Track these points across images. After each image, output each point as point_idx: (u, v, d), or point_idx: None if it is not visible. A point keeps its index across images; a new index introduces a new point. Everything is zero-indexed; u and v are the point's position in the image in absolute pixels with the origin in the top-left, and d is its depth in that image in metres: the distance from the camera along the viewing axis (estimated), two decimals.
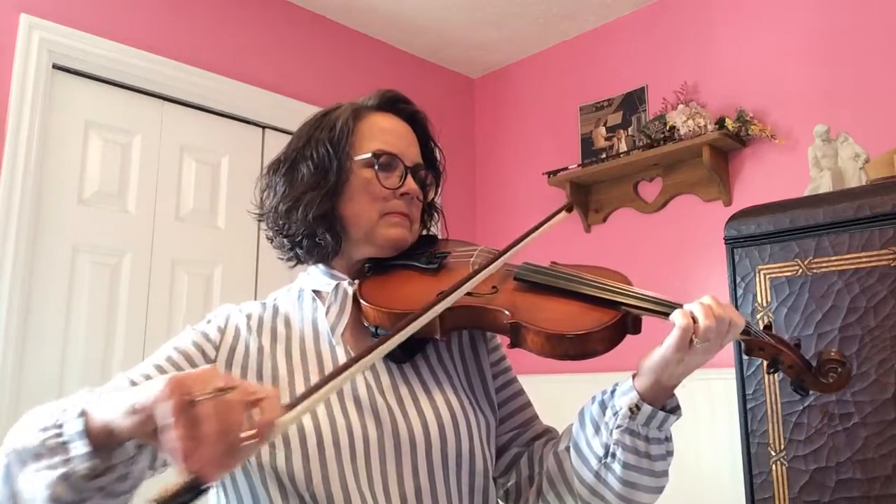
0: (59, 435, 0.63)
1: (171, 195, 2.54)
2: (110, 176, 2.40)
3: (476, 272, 0.83)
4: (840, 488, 1.54)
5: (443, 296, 0.79)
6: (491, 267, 0.85)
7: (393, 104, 1.00)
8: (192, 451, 0.54)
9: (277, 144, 2.88)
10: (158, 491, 0.53)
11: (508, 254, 0.88)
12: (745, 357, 1.72)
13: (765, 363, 0.85)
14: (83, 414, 0.62)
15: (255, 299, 1.01)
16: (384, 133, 0.96)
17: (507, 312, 0.84)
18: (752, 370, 1.68)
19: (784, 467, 1.62)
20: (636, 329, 0.85)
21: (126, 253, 2.40)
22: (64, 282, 2.25)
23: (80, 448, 0.61)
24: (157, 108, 2.55)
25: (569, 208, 0.99)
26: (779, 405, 1.64)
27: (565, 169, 2.96)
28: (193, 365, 0.85)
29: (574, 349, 0.81)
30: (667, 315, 0.82)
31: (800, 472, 1.59)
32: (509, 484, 0.97)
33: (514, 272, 0.92)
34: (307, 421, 0.81)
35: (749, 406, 1.68)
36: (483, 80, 3.60)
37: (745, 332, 0.82)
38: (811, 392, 0.82)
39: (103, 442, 0.62)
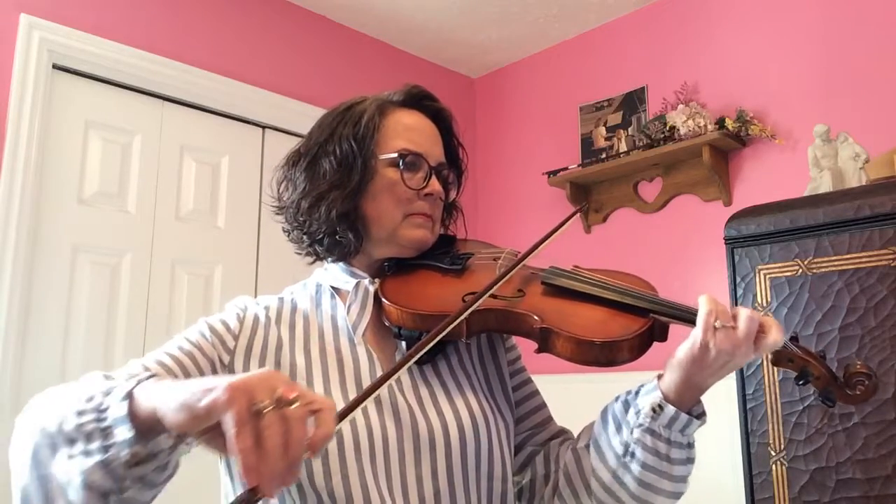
0: (100, 419, 0.59)
1: (171, 195, 2.54)
2: (110, 176, 2.40)
3: (501, 276, 0.84)
4: (840, 488, 1.54)
5: (474, 298, 0.81)
6: (513, 269, 0.86)
7: (419, 101, 0.99)
8: (254, 465, 0.53)
9: (277, 144, 2.90)
10: None
11: (528, 256, 0.88)
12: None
13: (793, 374, 0.83)
14: (128, 398, 0.59)
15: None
16: (409, 131, 0.94)
17: (535, 317, 0.83)
18: (752, 370, 1.68)
19: (784, 467, 1.62)
20: (663, 336, 0.84)
21: (126, 253, 2.40)
22: (64, 282, 2.25)
23: (123, 433, 0.58)
24: (157, 108, 2.55)
25: (584, 209, 1.01)
26: (779, 405, 1.64)
27: (565, 169, 2.96)
28: (209, 355, 0.84)
29: (604, 356, 0.81)
30: (693, 322, 0.80)
31: (800, 472, 1.59)
32: (524, 482, 0.96)
33: (540, 276, 0.91)
34: None
35: (749, 406, 1.68)
36: (483, 80, 3.60)
37: None
38: (839, 403, 0.82)
39: (148, 429, 0.59)
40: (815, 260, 1.63)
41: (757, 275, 1.71)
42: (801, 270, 1.65)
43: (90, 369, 2.45)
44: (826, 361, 0.82)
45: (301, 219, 0.94)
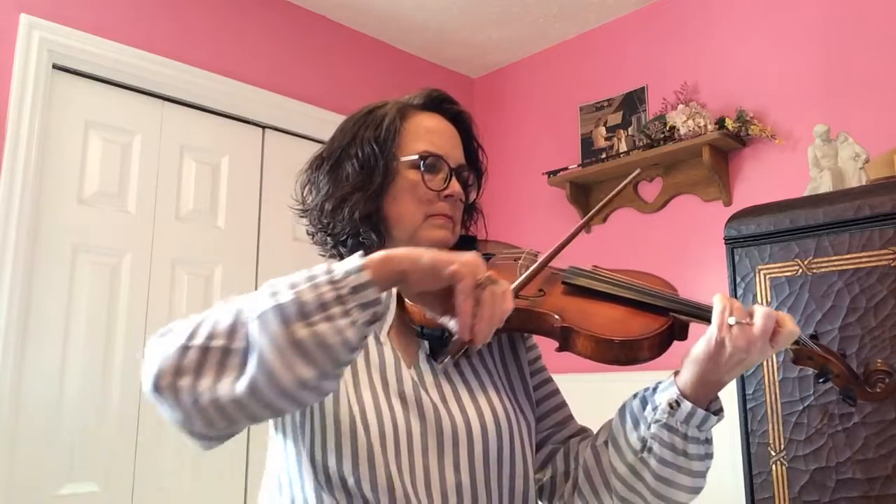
0: (339, 288, 0.68)
1: (171, 195, 2.54)
2: (110, 176, 2.40)
3: (582, 225, 0.93)
4: (840, 488, 1.54)
5: (559, 246, 0.89)
6: (577, 232, 0.91)
7: (438, 104, 1.01)
8: (470, 323, 0.71)
9: (277, 144, 2.90)
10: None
11: (580, 225, 0.94)
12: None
13: (813, 373, 0.84)
14: (364, 268, 0.69)
15: None
16: (430, 133, 0.97)
17: (556, 316, 0.85)
18: (752, 370, 1.68)
19: (784, 467, 1.62)
20: (683, 335, 0.85)
21: (126, 253, 2.40)
22: (64, 282, 2.25)
23: (369, 295, 0.68)
24: (157, 108, 2.55)
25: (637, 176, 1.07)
26: (779, 405, 1.64)
27: (565, 169, 2.96)
28: None
29: (624, 354, 0.82)
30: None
31: (800, 472, 1.59)
32: (545, 479, 0.98)
33: (561, 276, 0.92)
34: (356, 410, 0.82)
35: (749, 406, 1.68)
36: (483, 80, 3.60)
37: (795, 341, 0.81)
38: (859, 401, 0.82)
39: (384, 290, 0.70)
40: (815, 260, 1.63)
41: (757, 275, 1.71)
42: (801, 270, 1.65)
43: (90, 369, 2.44)
44: (847, 360, 0.82)
45: (325, 221, 0.96)
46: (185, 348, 0.68)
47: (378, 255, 0.71)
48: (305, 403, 0.70)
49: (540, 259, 0.88)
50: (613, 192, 0.98)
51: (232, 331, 0.68)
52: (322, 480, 0.82)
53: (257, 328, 0.67)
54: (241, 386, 0.66)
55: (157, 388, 0.68)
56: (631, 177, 1.04)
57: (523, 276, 0.85)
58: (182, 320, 0.73)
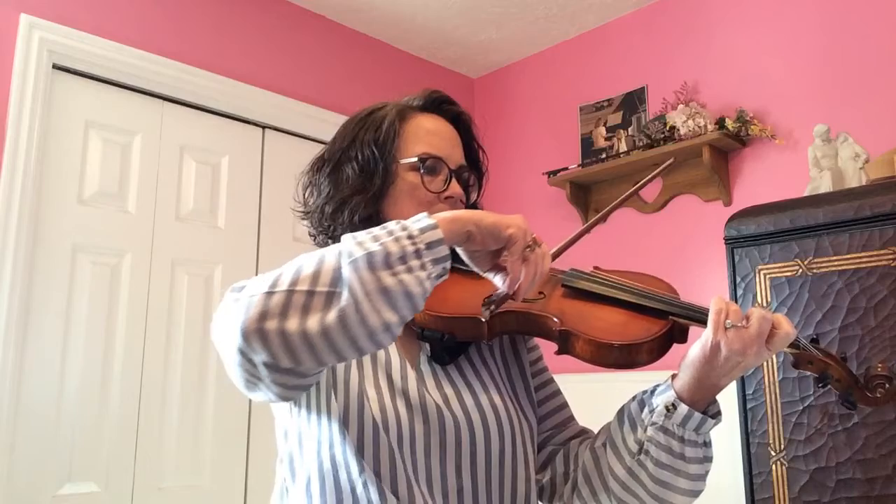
0: (415, 243, 0.72)
1: (171, 195, 2.54)
2: (110, 176, 2.40)
3: (625, 197, 0.98)
4: (840, 488, 1.54)
5: (600, 216, 0.96)
6: (603, 216, 0.97)
7: (438, 105, 1.01)
8: (516, 280, 0.77)
9: (277, 144, 2.90)
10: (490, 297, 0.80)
11: (612, 206, 0.98)
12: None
13: (813, 376, 0.84)
14: (436, 226, 0.74)
15: None
16: (430, 135, 0.97)
17: (555, 319, 0.85)
18: (751, 370, 1.68)
19: (784, 467, 1.62)
20: (683, 338, 0.85)
21: (126, 253, 2.40)
22: (64, 282, 2.25)
23: (442, 251, 0.74)
24: (157, 108, 2.55)
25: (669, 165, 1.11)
26: (779, 405, 1.64)
27: (565, 169, 2.96)
28: None
29: (623, 358, 0.82)
30: None
31: (800, 472, 1.59)
32: (544, 480, 0.98)
33: (561, 278, 0.92)
34: (364, 400, 0.83)
35: (749, 406, 1.68)
36: (483, 80, 3.60)
37: (794, 345, 0.81)
38: (859, 406, 0.82)
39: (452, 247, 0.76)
40: (815, 260, 1.63)
41: (757, 275, 1.71)
42: (801, 270, 1.65)
43: (90, 369, 2.43)
44: (847, 363, 0.82)
45: (325, 223, 0.96)
46: (269, 294, 0.70)
47: (446, 214, 0.76)
48: (382, 346, 0.74)
49: (576, 231, 0.93)
50: (649, 177, 0.98)
51: (316, 276, 0.71)
52: (330, 460, 0.82)
53: (350, 270, 0.70)
54: (332, 316, 0.69)
55: (245, 335, 0.69)
56: (665, 164, 1.05)
57: (562, 242, 0.90)
58: (253, 278, 0.76)
